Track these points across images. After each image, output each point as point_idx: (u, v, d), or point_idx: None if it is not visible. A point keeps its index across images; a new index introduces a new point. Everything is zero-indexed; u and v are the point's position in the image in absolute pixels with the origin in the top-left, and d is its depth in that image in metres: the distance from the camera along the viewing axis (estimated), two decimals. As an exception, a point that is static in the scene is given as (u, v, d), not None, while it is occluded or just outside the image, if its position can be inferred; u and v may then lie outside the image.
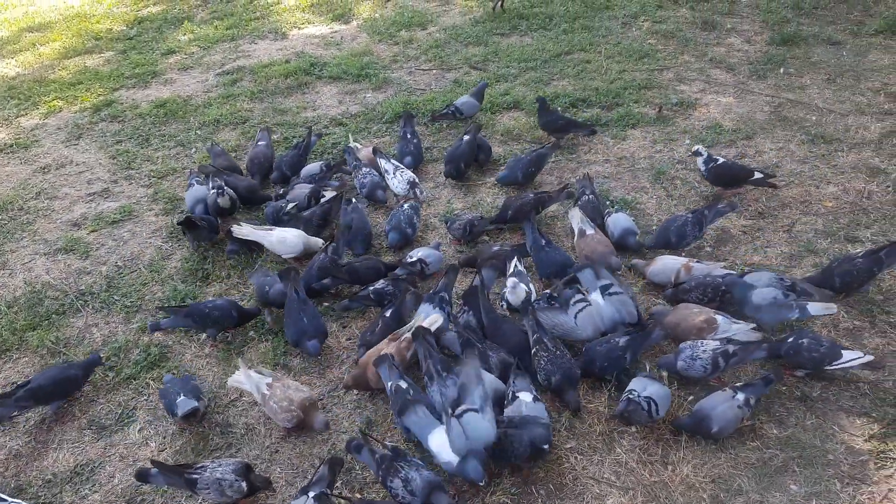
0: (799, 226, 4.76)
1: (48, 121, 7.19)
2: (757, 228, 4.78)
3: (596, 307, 3.87)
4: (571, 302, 3.91)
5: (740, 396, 3.30)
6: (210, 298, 4.44)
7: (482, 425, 3.09)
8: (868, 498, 3.09)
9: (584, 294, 3.95)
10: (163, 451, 3.60)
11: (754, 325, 3.73)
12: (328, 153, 6.09)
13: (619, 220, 4.72)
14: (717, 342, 3.57)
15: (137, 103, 7.30)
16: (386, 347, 3.74)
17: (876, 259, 3.98)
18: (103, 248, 5.19)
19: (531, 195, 4.95)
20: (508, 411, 3.35)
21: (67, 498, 3.41)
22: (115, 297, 4.69)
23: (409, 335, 3.80)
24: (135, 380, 4.03)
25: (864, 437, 3.34)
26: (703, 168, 5.03)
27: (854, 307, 4.04)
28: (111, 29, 9.38)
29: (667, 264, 4.30)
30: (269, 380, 3.63)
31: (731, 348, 3.51)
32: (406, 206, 5.00)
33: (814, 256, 4.47)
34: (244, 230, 4.80)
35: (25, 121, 7.24)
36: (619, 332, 3.75)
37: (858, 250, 4.20)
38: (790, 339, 3.56)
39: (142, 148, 6.50)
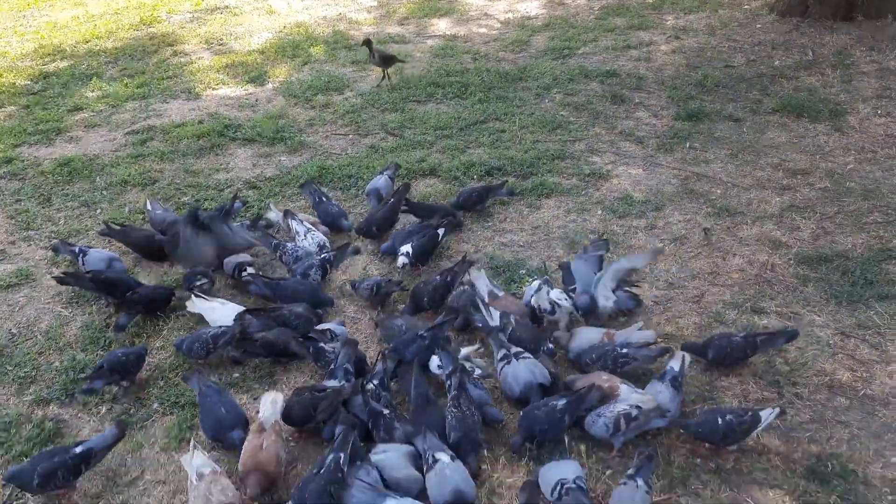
0: (708, 297, 4.91)
1: (-60, 178, 6.78)
2: (668, 299, 4.90)
3: (512, 368, 3.94)
4: (496, 357, 4.04)
5: (640, 482, 3.28)
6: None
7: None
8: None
9: (507, 350, 4.03)
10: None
11: (651, 397, 3.77)
12: (241, 216, 5.92)
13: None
14: (624, 405, 3.65)
15: (40, 161, 6.97)
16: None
17: (751, 342, 4.15)
18: (-5, 314, 4.87)
19: (437, 278, 4.78)
20: (431, 475, 3.37)
21: None
22: (8, 368, 4.39)
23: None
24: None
25: (776, 509, 3.39)
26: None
27: (762, 378, 4.16)
28: (14, 83, 9.00)
29: (587, 336, 4.35)
30: (209, 469, 3.39)
31: (633, 412, 3.61)
32: (317, 260, 4.95)
33: (723, 327, 4.60)
34: (198, 304, 4.60)
35: (-86, 175, 6.80)
36: (556, 395, 3.80)
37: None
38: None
39: (43, 208, 6.17)
